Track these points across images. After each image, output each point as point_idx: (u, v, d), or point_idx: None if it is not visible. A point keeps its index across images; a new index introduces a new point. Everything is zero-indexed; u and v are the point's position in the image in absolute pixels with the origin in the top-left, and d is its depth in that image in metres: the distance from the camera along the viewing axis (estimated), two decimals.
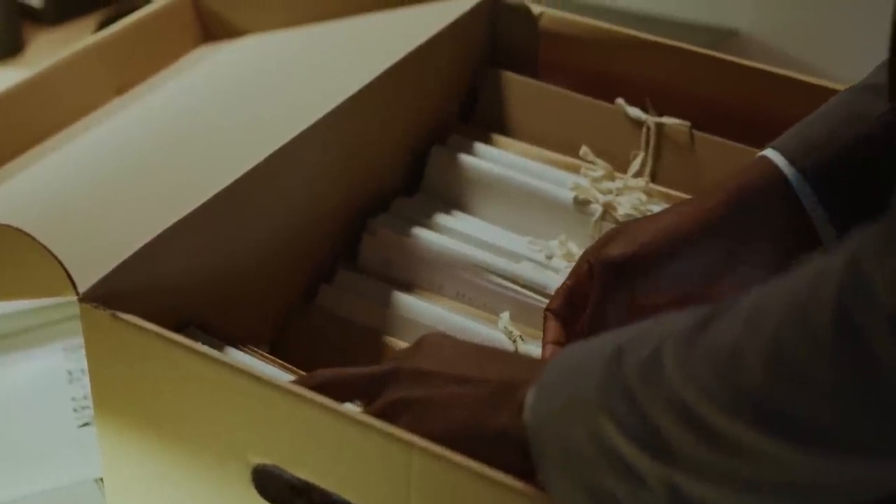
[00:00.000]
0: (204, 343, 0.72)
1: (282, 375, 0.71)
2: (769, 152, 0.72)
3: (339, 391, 0.64)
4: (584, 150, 0.91)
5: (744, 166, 0.72)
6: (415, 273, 0.85)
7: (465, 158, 0.91)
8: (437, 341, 0.66)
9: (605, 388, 0.54)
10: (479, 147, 0.92)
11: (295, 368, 0.72)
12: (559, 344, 0.72)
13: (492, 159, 0.91)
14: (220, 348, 0.73)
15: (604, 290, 0.70)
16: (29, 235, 0.67)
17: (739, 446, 0.50)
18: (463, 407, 0.61)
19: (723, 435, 0.50)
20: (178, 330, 0.73)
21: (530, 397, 0.59)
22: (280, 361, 0.73)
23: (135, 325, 0.65)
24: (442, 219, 0.88)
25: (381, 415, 0.62)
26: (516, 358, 0.66)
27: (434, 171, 0.92)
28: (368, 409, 0.64)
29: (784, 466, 0.49)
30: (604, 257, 0.70)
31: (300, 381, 0.65)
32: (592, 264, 0.71)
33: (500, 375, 0.62)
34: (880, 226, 0.47)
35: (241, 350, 0.73)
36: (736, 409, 0.49)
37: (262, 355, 0.73)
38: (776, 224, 0.71)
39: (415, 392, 0.63)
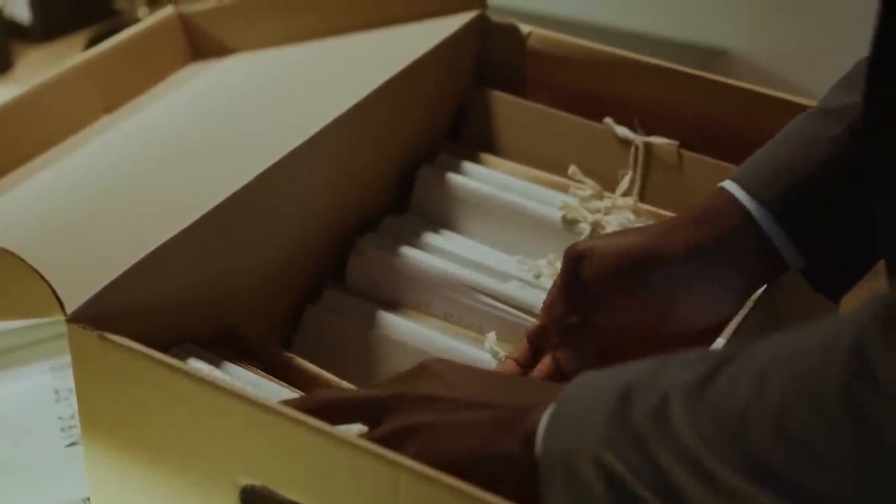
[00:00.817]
0: (199, 359, 0.72)
1: (278, 391, 0.71)
2: (727, 184, 0.73)
3: (340, 413, 0.64)
4: (572, 169, 0.91)
5: (704, 199, 0.74)
6: (402, 293, 0.85)
7: (453, 178, 0.91)
8: (440, 367, 0.65)
9: (612, 426, 0.55)
10: (468, 166, 0.93)
11: (291, 387, 0.72)
12: (517, 363, 0.75)
13: (480, 178, 0.91)
14: (216, 364, 0.73)
15: (565, 276, 0.73)
16: (16, 256, 0.67)
17: (744, 499, 0.51)
18: (471, 432, 0.61)
19: (733, 489, 0.51)
20: (171, 346, 0.73)
21: (541, 428, 0.59)
22: (276, 379, 0.73)
23: (123, 346, 0.65)
24: (430, 238, 0.88)
25: (387, 441, 0.62)
26: (519, 383, 0.67)
27: (422, 191, 0.92)
28: (372, 433, 0.63)
29: None
30: (570, 249, 0.73)
31: (300, 402, 0.65)
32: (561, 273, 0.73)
33: (507, 400, 0.62)
34: (883, 304, 0.49)
35: (238, 366, 0.73)
36: (743, 468, 0.51)
37: (258, 372, 0.73)
38: (741, 252, 0.71)
39: (422, 417, 0.62)
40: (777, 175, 0.72)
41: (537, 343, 0.75)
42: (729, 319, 0.73)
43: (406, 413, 0.63)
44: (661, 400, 0.54)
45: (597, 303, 0.72)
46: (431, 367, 0.65)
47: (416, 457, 0.59)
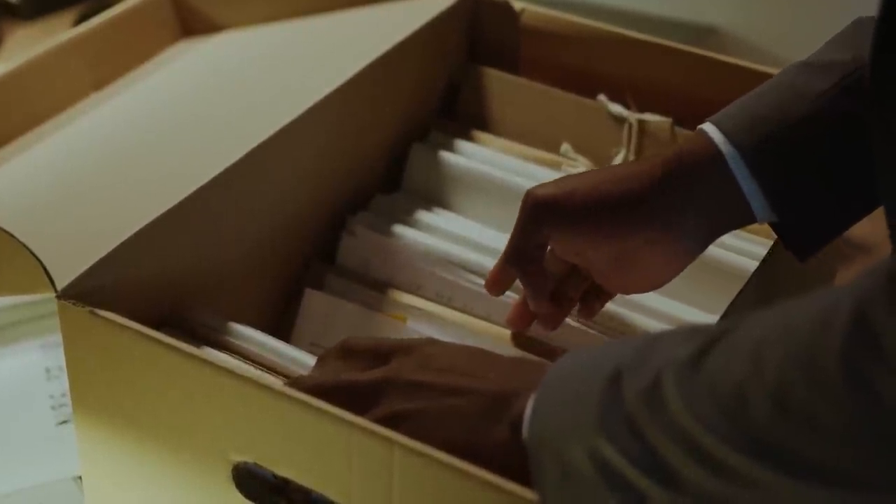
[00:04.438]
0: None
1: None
2: (706, 126, 0.72)
3: (334, 396, 0.63)
4: (565, 146, 0.90)
5: (683, 140, 0.73)
6: (393, 273, 0.85)
7: (445, 155, 0.90)
8: (430, 349, 0.65)
9: (605, 411, 0.55)
10: (460, 144, 0.92)
11: (272, 372, 0.71)
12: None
13: (472, 156, 0.91)
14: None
15: (523, 223, 0.72)
16: (6, 232, 0.66)
17: (746, 478, 0.50)
18: (458, 421, 0.61)
19: (731, 467, 0.51)
20: (163, 323, 0.72)
21: (528, 412, 0.58)
22: (257, 365, 0.72)
23: (113, 322, 0.65)
24: (422, 216, 0.88)
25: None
26: (510, 364, 0.65)
27: (414, 169, 0.91)
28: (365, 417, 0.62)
29: (792, 500, 0.50)
30: (531, 192, 0.72)
31: (293, 383, 0.65)
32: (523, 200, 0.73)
33: (495, 385, 0.61)
34: (886, 272, 0.48)
35: (216, 351, 0.73)
36: (742, 445, 0.50)
37: (238, 358, 0.72)
38: (708, 197, 0.71)
39: (410, 405, 0.62)
40: (757, 123, 0.71)
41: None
42: (692, 259, 0.73)
43: (394, 399, 0.62)
44: (653, 380, 0.53)
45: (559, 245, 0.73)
46: (422, 349, 0.65)
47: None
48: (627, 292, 0.77)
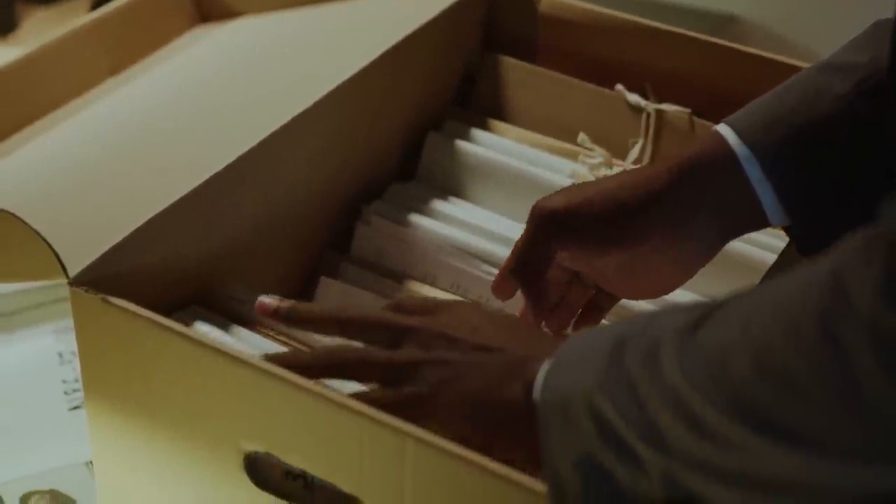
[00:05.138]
0: (206, 322, 0.72)
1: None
2: (721, 127, 0.71)
3: (361, 330, 0.64)
4: (581, 136, 0.90)
5: (695, 141, 0.72)
6: (408, 263, 0.84)
7: (461, 144, 0.90)
8: (467, 310, 0.66)
9: (607, 373, 0.55)
10: (476, 133, 0.92)
11: (299, 345, 0.72)
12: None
13: (488, 145, 0.90)
14: (224, 327, 0.72)
15: (531, 235, 0.71)
16: (19, 218, 0.66)
17: (728, 440, 0.50)
18: (478, 376, 0.62)
19: (714, 430, 0.51)
20: (175, 310, 0.72)
21: (541, 375, 0.59)
22: (287, 342, 0.72)
23: (125, 310, 0.64)
24: (438, 205, 0.88)
25: (400, 368, 0.62)
26: (537, 334, 0.67)
27: (430, 157, 0.91)
28: (387, 355, 0.63)
29: (769, 463, 0.50)
30: (540, 204, 0.71)
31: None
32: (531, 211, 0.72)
33: (518, 348, 0.62)
34: (862, 236, 0.48)
35: (246, 329, 0.73)
36: (725, 406, 0.50)
37: (267, 335, 0.73)
38: (721, 199, 0.70)
39: (437, 354, 0.63)
40: (772, 125, 0.70)
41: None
42: (703, 264, 0.72)
43: (423, 347, 0.63)
44: (653, 344, 0.54)
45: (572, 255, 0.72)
46: (459, 309, 0.66)
47: (427, 392, 0.61)
48: (636, 298, 0.76)
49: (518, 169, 0.87)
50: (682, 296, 0.80)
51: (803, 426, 0.48)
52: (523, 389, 0.60)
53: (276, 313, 0.66)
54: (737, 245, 0.80)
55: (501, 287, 0.74)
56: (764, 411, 0.49)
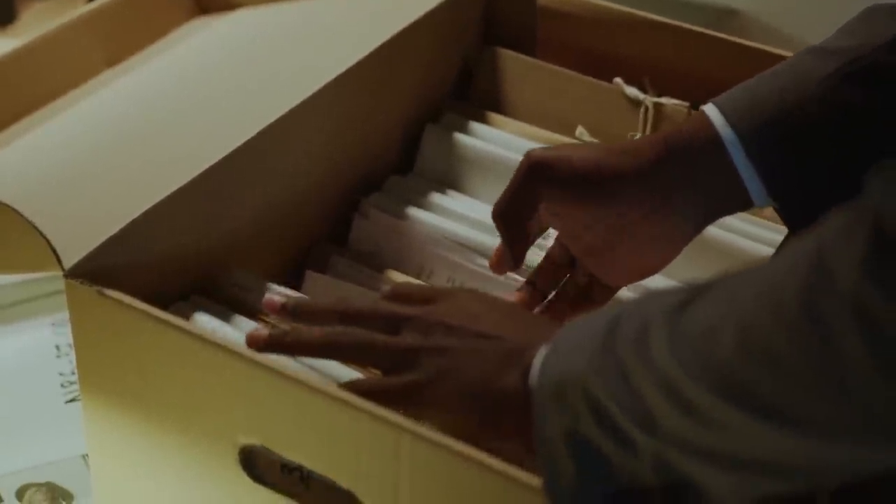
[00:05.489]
0: (207, 313, 0.72)
1: None
2: (708, 108, 0.72)
3: (359, 318, 0.65)
4: (580, 130, 0.89)
5: (684, 120, 0.73)
6: (405, 256, 0.84)
7: (459, 137, 0.90)
8: (466, 297, 0.66)
9: (600, 355, 0.55)
10: (474, 126, 0.91)
11: None
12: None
13: (486, 138, 0.90)
14: (226, 318, 0.72)
15: (518, 180, 0.73)
16: (13, 210, 0.66)
17: (715, 420, 0.51)
18: (477, 364, 0.62)
19: (700, 408, 0.51)
20: (173, 302, 0.72)
21: (537, 361, 0.59)
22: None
23: (120, 302, 0.64)
24: (435, 198, 0.87)
25: (400, 356, 0.63)
26: (537, 320, 0.68)
27: (428, 150, 0.91)
28: (387, 341, 0.63)
29: (755, 442, 0.50)
30: (530, 153, 0.73)
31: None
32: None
33: (516, 335, 0.62)
34: (845, 212, 0.47)
35: (249, 320, 0.73)
36: (712, 386, 0.50)
37: (270, 324, 0.72)
38: (705, 178, 0.70)
39: (435, 341, 0.63)
40: (757, 106, 0.70)
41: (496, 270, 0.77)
42: (687, 242, 0.73)
43: (422, 334, 0.63)
44: (643, 326, 0.54)
45: (558, 214, 0.73)
46: (459, 296, 0.66)
47: (425, 379, 0.61)
48: (620, 282, 0.76)
49: (516, 162, 0.87)
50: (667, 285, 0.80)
51: (788, 405, 0.48)
52: (521, 377, 0.60)
53: (283, 309, 0.66)
54: (732, 238, 0.80)
55: (500, 263, 0.76)
56: (749, 390, 0.49)
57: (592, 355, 0.56)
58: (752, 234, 0.82)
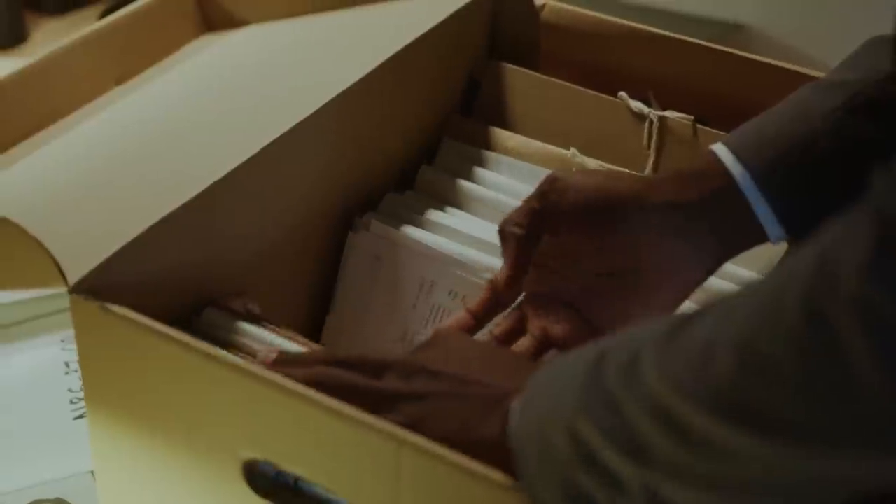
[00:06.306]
0: (224, 323, 0.72)
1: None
2: (717, 147, 0.72)
3: (343, 365, 0.64)
4: (572, 150, 0.89)
5: (693, 161, 0.73)
6: (405, 270, 0.84)
7: (457, 181, 0.90)
8: (449, 339, 0.66)
9: (586, 392, 0.54)
10: (473, 153, 0.91)
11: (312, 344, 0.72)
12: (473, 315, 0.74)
13: (483, 181, 0.90)
14: (237, 331, 0.73)
15: (536, 195, 0.73)
16: (18, 226, 0.66)
17: (713, 444, 0.49)
18: (455, 412, 0.61)
19: (697, 433, 0.49)
20: (193, 310, 0.73)
21: (517, 405, 0.59)
22: (303, 339, 0.73)
23: (124, 318, 0.64)
24: (434, 215, 0.87)
25: (381, 401, 0.62)
26: (521, 364, 0.66)
27: (424, 187, 0.91)
28: (369, 383, 0.63)
29: (758, 463, 0.49)
30: (552, 173, 0.73)
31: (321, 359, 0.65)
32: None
33: (502, 382, 0.61)
34: (846, 216, 0.47)
35: (265, 329, 0.73)
36: (709, 405, 0.49)
37: (285, 335, 0.73)
38: (719, 216, 0.71)
39: (414, 387, 0.62)
40: (766, 143, 0.71)
41: (501, 295, 0.75)
42: (697, 285, 0.72)
43: (403, 380, 0.63)
44: (632, 356, 0.53)
45: (564, 244, 0.73)
46: (443, 341, 0.66)
47: (404, 424, 0.60)
48: (606, 323, 0.74)
49: (514, 198, 0.87)
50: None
51: (791, 420, 0.47)
52: (500, 425, 0.59)
53: (274, 365, 0.66)
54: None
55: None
56: (750, 407, 0.48)
57: (576, 391, 0.55)
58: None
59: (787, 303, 0.47)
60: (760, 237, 0.71)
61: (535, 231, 0.73)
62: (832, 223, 0.48)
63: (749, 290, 0.51)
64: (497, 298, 0.75)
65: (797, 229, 0.70)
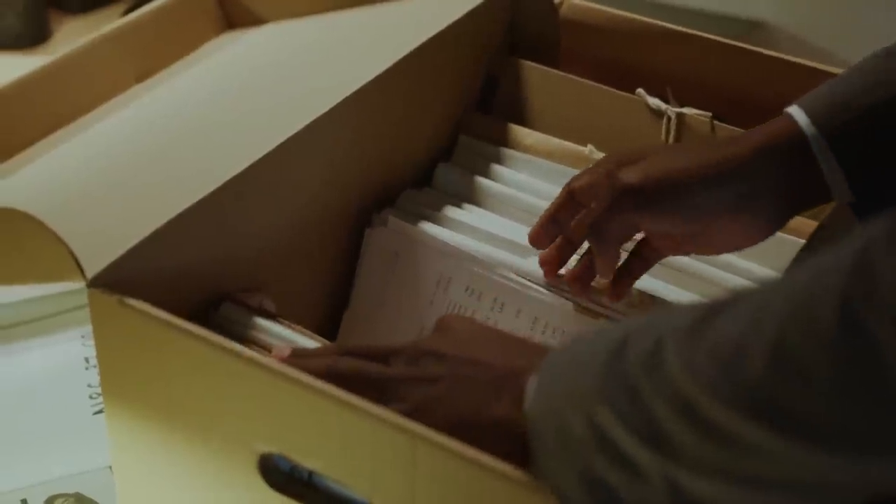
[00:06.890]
0: (240, 318, 0.73)
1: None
2: (793, 109, 0.73)
3: (354, 352, 0.65)
4: (589, 147, 0.89)
5: (768, 122, 0.74)
6: (422, 267, 0.84)
7: (474, 178, 0.90)
8: (456, 323, 0.66)
9: (606, 377, 0.54)
10: (490, 151, 0.91)
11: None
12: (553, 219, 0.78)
13: (500, 178, 0.90)
14: (254, 326, 0.73)
15: (609, 206, 0.73)
16: (37, 220, 0.67)
17: (739, 441, 0.49)
18: (466, 393, 0.61)
19: (723, 429, 0.49)
20: (210, 305, 0.73)
21: (532, 385, 0.59)
22: (318, 336, 0.73)
23: (142, 312, 0.65)
24: (451, 212, 0.87)
25: (393, 386, 0.63)
26: (529, 346, 0.66)
27: (440, 184, 0.91)
28: (381, 369, 0.64)
29: (784, 463, 0.48)
30: (619, 177, 0.74)
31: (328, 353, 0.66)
32: (605, 185, 0.74)
33: (509, 362, 0.62)
34: (888, 220, 0.46)
35: (280, 324, 0.73)
36: (737, 403, 0.49)
37: (300, 331, 0.73)
38: (791, 178, 0.73)
39: (428, 370, 0.63)
40: (840, 107, 0.72)
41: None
42: (760, 240, 0.75)
43: (411, 364, 0.63)
44: (655, 345, 0.52)
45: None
46: (450, 325, 0.67)
47: (412, 410, 0.60)
48: (695, 253, 0.79)
49: (534, 203, 0.87)
50: (716, 274, 0.82)
51: (818, 420, 0.47)
52: (512, 404, 0.59)
53: (287, 361, 0.67)
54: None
55: (539, 236, 0.79)
56: (783, 408, 0.47)
57: (595, 376, 0.54)
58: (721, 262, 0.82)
59: (822, 307, 0.46)
60: (826, 197, 0.73)
61: (617, 235, 0.76)
62: (871, 225, 0.47)
63: (779, 288, 0.50)
64: (574, 206, 0.77)
65: (863, 192, 0.72)
